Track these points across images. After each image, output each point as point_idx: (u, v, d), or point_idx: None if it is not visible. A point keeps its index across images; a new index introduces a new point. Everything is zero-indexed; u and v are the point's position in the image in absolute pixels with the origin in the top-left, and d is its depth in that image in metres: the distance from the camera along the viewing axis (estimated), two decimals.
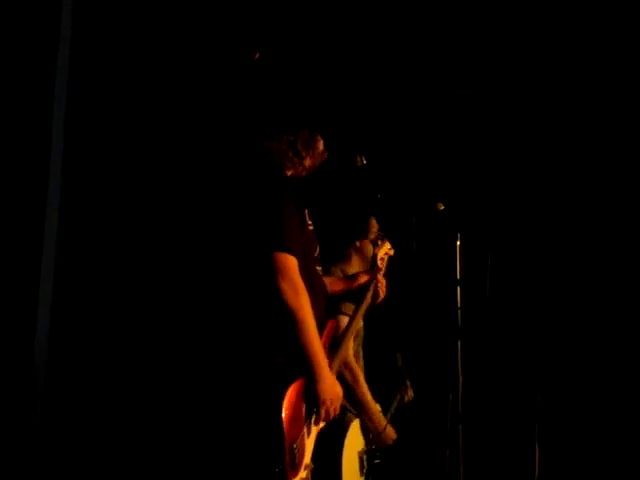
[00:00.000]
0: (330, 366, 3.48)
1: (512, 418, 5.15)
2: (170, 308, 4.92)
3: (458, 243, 4.21)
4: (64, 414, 4.81)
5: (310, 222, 3.60)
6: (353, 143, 3.85)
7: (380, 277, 4.03)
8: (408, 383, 4.37)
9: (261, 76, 3.40)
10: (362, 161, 3.78)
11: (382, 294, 4.03)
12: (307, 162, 3.65)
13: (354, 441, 4.01)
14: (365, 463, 4.08)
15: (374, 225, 4.31)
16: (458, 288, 4.12)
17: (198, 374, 4.41)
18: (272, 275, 3.29)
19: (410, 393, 4.37)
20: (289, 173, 3.63)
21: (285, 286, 3.28)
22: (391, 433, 4.18)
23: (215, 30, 5.00)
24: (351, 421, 3.98)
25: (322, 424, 3.44)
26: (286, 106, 3.66)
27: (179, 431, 4.70)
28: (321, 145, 3.71)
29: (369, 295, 3.96)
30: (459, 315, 4.12)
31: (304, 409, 3.32)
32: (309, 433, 3.37)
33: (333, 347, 3.73)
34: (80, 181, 4.86)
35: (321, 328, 3.48)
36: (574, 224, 5.40)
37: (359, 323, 3.93)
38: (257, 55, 3.40)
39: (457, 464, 4.12)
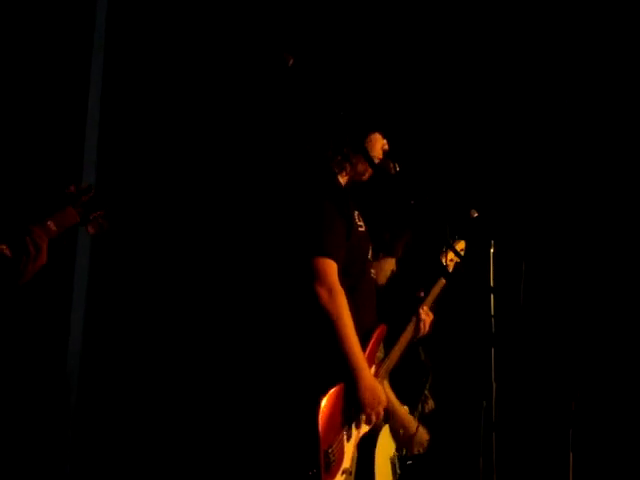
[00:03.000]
0: (376, 373, 3.49)
1: (546, 426, 5.12)
2: (211, 311, 4.95)
3: (492, 250, 4.19)
4: (97, 415, 4.84)
5: (361, 224, 3.60)
6: (387, 150, 3.84)
7: (423, 311, 4.02)
8: (428, 393, 4.36)
9: (297, 82, 3.40)
10: (395, 168, 3.78)
11: (424, 330, 4.02)
12: (360, 166, 3.66)
13: (385, 447, 3.99)
14: (397, 468, 4.07)
15: (401, 248, 4.31)
16: (492, 296, 4.10)
17: (238, 376, 4.43)
18: (310, 279, 3.30)
19: (430, 403, 4.36)
20: (343, 179, 3.65)
21: (322, 291, 3.30)
22: (424, 435, 4.17)
23: (250, 36, 5.02)
24: (380, 428, 3.97)
25: (365, 429, 3.44)
26: (325, 112, 3.67)
27: (216, 432, 4.72)
28: (377, 145, 3.71)
29: (409, 329, 3.95)
30: (493, 323, 4.09)
31: (344, 413, 3.32)
32: (349, 438, 3.37)
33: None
34: (118, 186, 4.89)
35: (370, 332, 3.49)
36: (610, 232, 5.36)
37: (397, 356, 3.90)
38: (292, 61, 3.39)
39: (490, 472, 4.09)
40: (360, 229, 3.59)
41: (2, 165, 4.48)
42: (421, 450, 4.22)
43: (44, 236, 2.51)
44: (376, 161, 3.70)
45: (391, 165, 3.78)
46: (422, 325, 4.00)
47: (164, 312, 5.00)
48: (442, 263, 4.09)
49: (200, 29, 5.17)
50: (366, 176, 3.73)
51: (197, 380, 4.94)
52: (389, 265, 4.33)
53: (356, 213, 3.61)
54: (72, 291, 4.92)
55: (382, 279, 4.29)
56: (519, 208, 5.36)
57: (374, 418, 3.41)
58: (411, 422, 4.13)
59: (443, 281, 4.17)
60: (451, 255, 4.12)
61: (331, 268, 3.35)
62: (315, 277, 3.32)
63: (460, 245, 4.25)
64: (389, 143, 3.82)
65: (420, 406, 4.29)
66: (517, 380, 4.96)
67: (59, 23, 4.88)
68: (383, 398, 3.41)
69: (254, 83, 5.01)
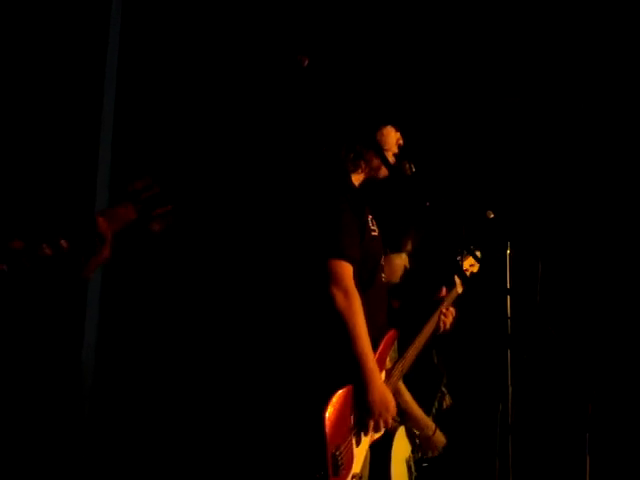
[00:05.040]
0: (387, 375, 3.47)
1: (562, 428, 5.10)
2: (223, 311, 4.94)
3: (508, 252, 4.17)
4: (111, 417, 4.84)
5: (375, 228, 3.58)
6: (402, 151, 3.83)
7: (445, 308, 4.00)
8: (444, 390, 4.34)
9: (312, 82, 3.39)
10: (411, 169, 3.76)
11: (445, 327, 4.01)
12: (374, 162, 3.65)
13: (401, 449, 3.98)
14: (413, 469, 4.05)
15: (410, 242, 4.30)
16: (508, 297, 4.08)
17: (247, 375, 4.42)
18: (326, 281, 3.29)
19: (448, 400, 4.34)
20: (357, 178, 3.63)
21: (337, 292, 3.28)
22: (440, 437, 4.16)
23: (264, 37, 5.02)
24: (396, 429, 3.95)
25: (375, 435, 3.42)
26: (338, 111, 3.66)
27: (224, 432, 4.71)
28: (390, 138, 3.70)
29: (429, 325, 3.94)
30: (509, 324, 4.08)
31: (352, 417, 3.30)
32: (358, 442, 3.34)
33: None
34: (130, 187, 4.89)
35: (381, 337, 3.47)
36: (626, 233, 5.34)
37: (413, 355, 3.88)
38: (306, 62, 3.38)
39: (507, 475, 4.07)
40: (373, 233, 3.58)
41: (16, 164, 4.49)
42: (436, 453, 4.20)
43: (109, 229, 2.47)
44: (391, 156, 3.68)
45: (407, 166, 3.76)
46: (442, 323, 3.98)
47: (179, 314, 5.00)
48: (461, 268, 4.07)
49: (215, 30, 5.17)
50: (382, 172, 3.70)
51: (207, 378, 4.94)
52: (400, 260, 4.31)
53: (370, 217, 3.60)
54: (86, 290, 4.93)
55: (395, 276, 4.28)
56: (535, 209, 5.35)
57: (382, 424, 3.38)
58: (429, 424, 4.12)
59: (460, 288, 4.15)
60: (471, 261, 4.11)
61: (347, 270, 3.34)
62: (331, 279, 3.31)
63: (478, 253, 4.23)
64: (403, 138, 3.80)
65: (437, 403, 4.27)
66: (533, 383, 4.94)
67: (74, 21, 4.89)
68: (392, 404, 3.38)
69: (269, 84, 5.01)
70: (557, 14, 5.37)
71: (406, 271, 4.30)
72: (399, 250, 4.30)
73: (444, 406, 4.31)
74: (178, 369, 4.94)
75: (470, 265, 4.18)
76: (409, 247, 4.34)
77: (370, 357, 3.31)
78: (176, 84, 5.19)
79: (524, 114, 5.45)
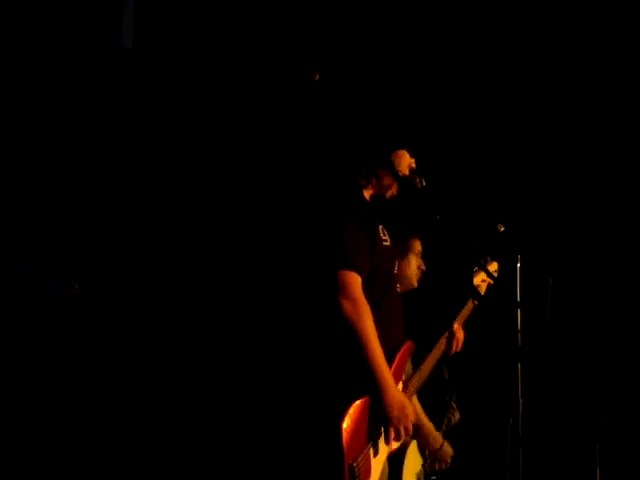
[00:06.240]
0: (404, 388, 3.48)
1: (573, 441, 5.09)
2: (237, 323, 4.95)
3: (518, 265, 4.18)
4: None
5: (386, 238, 3.59)
6: (413, 168, 3.84)
7: (456, 328, 4.01)
8: (454, 405, 4.34)
9: (323, 97, 3.41)
10: (421, 182, 3.77)
11: (456, 347, 4.01)
12: (386, 180, 3.67)
13: (413, 462, 3.97)
14: None
15: (416, 247, 4.29)
16: (518, 310, 4.09)
17: (263, 388, 4.43)
18: (335, 292, 3.30)
19: (457, 415, 4.34)
20: (366, 193, 3.65)
21: (346, 303, 3.29)
22: (448, 450, 4.15)
23: (276, 52, 5.04)
24: (408, 443, 3.95)
25: (394, 445, 3.42)
26: (352, 126, 3.68)
27: (240, 444, 4.72)
28: (403, 161, 3.72)
29: (439, 347, 3.94)
30: (519, 338, 4.08)
31: (369, 427, 3.31)
32: (376, 453, 3.35)
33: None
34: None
35: (397, 348, 3.48)
36: (638, 247, 5.34)
37: (427, 371, 3.89)
38: (317, 76, 3.40)
39: None
40: (385, 243, 3.59)
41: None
42: (444, 466, 4.20)
43: None
44: (403, 174, 3.70)
45: (417, 179, 3.77)
46: (454, 342, 3.98)
47: (192, 325, 5.02)
48: (472, 284, 4.08)
49: (227, 46, 5.20)
50: (392, 191, 3.73)
51: (223, 392, 4.95)
52: (411, 264, 4.30)
53: (380, 227, 3.61)
54: None
55: (412, 280, 4.27)
56: (545, 222, 5.35)
57: (403, 433, 3.38)
58: (436, 438, 4.12)
59: (472, 304, 4.15)
60: (483, 276, 4.11)
61: (355, 281, 3.35)
62: (339, 290, 3.32)
63: (493, 266, 4.23)
64: (415, 157, 3.82)
65: (446, 419, 4.27)
66: (544, 396, 4.94)
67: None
68: (410, 413, 3.39)
69: (281, 99, 5.03)
70: (570, 26, 5.38)
71: (422, 273, 4.29)
72: (405, 254, 4.28)
73: (453, 422, 4.30)
74: (192, 382, 4.95)
75: (482, 280, 4.18)
76: (418, 248, 4.33)
77: (383, 366, 3.31)
78: (184, 94, 5.21)
79: (535, 127, 5.46)
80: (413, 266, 4.29)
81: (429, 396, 4.09)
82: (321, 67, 3.42)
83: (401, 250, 4.21)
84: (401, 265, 4.20)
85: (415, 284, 4.26)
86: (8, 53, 4.69)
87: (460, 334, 4.03)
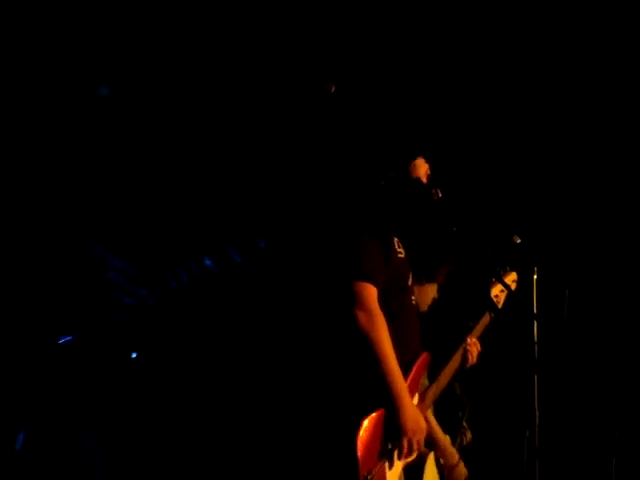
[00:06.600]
0: (420, 401, 3.47)
1: (589, 454, 5.07)
2: (253, 335, 4.95)
3: (535, 277, 4.17)
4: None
5: (401, 250, 3.59)
6: (429, 175, 3.85)
7: (471, 340, 3.99)
8: (466, 425, 4.33)
9: (339, 109, 3.43)
10: (438, 194, 3.78)
11: (472, 360, 4.00)
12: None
13: (431, 476, 3.96)
14: None
15: (439, 278, 4.29)
16: (535, 322, 4.08)
17: (278, 399, 4.44)
18: (350, 304, 3.31)
19: (469, 435, 4.32)
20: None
21: (361, 315, 3.30)
22: (463, 469, 4.14)
23: (293, 65, 5.05)
24: (426, 458, 3.94)
25: (409, 458, 3.41)
26: (369, 138, 3.69)
27: (255, 454, 4.72)
28: (420, 170, 3.73)
29: (456, 359, 3.93)
30: (536, 350, 4.07)
31: (384, 440, 3.31)
32: (391, 466, 3.35)
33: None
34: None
35: (413, 360, 3.48)
36: None
37: (443, 384, 3.87)
38: (333, 88, 3.42)
39: None
40: (399, 255, 3.59)
41: None
42: None
43: None
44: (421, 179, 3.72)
45: (433, 191, 3.78)
46: (470, 355, 3.97)
47: (210, 336, 5.02)
48: (489, 296, 4.07)
49: (245, 59, 5.21)
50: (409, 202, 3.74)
51: (236, 402, 4.95)
52: (431, 291, 4.31)
53: (396, 240, 3.61)
54: None
55: (424, 306, 4.27)
56: (563, 234, 5.34)
57: (415, 446, 3.38)
58: (453, 453, 4.10)
59: (489, 316, 4.14)
60: (501, 287, 4.10)
61: (370, 292, 3.36)
62: (354, 301, 3.33)
63: (512, 277, 4.22)
64: (431, 168, 3.83)
65: (459, 438, 4.26)
66: (560, 408, 4.92)
67: None
68: (424, 426, 3.38)
69: (298, 110, 5.04)
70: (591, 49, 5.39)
71: (434, 301, 4.29)
72: (432, 281, 4.29)
73: (464, 442, 4.29)
74: (208, 389, 4.95)
75: (500, 291, 4.16)
76: (441, 279, 4.33)
77: (398, 379, 3.31)
78: (202, 105, 5.23)
79: (552, 141, 5.46)
80: (431, 294, 4.29)
81: (441, 411, 4.08)
82: (337, 79, 3.44)
83: (430, 276, 4.22)
84: (424, 289, 4.21)
85: (425, 310, 4.26)
86: (68, 59, 4.71)
87: (476, 347, 4.02)
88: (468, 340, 3.98)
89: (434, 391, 3.70)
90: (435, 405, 3.85)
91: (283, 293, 4.81)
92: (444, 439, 4.07)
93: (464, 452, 4.20)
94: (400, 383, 3.32)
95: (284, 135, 5.15)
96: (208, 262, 4.27)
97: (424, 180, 3.75)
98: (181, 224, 4.83)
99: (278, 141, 5.16)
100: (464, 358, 3.96)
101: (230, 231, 4.89)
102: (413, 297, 3.70)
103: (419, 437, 3.36)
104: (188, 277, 4.56)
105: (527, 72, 5.44)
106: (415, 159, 3.78)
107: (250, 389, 4.93)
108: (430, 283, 4.28)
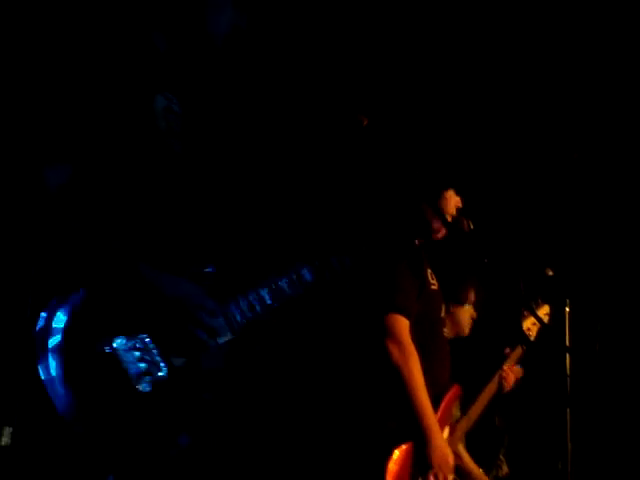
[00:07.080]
0: (451, 433, 3.47)
1: None
2: (283, 364, 4.96)
3: (567, 309, 4.16)
4: None
5: (434, 282, 3.60)
6: (460, 207, 3.86)
7: (508, 367, 3.99)
8: (502, 458, 4.31)
9: (372, 142, 3.44)
10: (469, 226, 3.79)
11: (508, 387, 3.99)
12: (435, 224, 3.68)
13: None
14: None
15: (471, 297, 4.29)
16: (567, 355, 4.06)
17: (309, 429, 4.43)
18: (382, 336, 3.32)
19: (505, 468, 4.31)
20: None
21: (393, 347, 3.31)
22: None
23: (325, 98, 5.08)
24: None
25: None
26: (400, 171, 3.71)
27: None
28: (451, 202, 3.73)
29: (492, 384, 3.92)
30: (568, 383, 4.06)
31: (413, 472, 3.31)
32: None
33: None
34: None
35: (444, 392, 3.48)
36: None
37: (476, 415, 3.87)
38: (366, 122, 3.44)
39: None
40: (432, 287, 3.60)
41: None
42: None
43: None
44: (449, 218, 3.71)
45: (465, 222, 3.79)
46: (505, 383, 3.97)
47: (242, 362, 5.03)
48: (521, 329, 4.07)
49: (280, 90, 5.25)
50: (440, 234, 3.74)
51: (269, 427, 4.95)
52: (465, 313, 4.31)
53: (429, 271, 3.62)
54: None
55: (464, 329, 4.27)
56: (595, 267, 5.32)
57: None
58: None
59: (521, 349, 4.13)
60: (533, 319, 4.10)
61: (403, 324, 3.37)
62: (387, 333, 3.34)
63: (544, 309, 4.22)
64: (462, 200, 3.83)
65: (495, 470, 4.24)
66: (593, 441, 4.89)
67: None
68: (451, 461, 3.38)
69: (331, 143, 5.06)
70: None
71: (474, 322, 4.30)
72: (462, 303, 4.30)
73: (500, 475, 4.27)
74: (241, 418, 4.96)
75: (532, 324, 4.16)
76: (472, 298, 4.34)
77: (428, 411, 3.32)
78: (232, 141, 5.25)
79: (585, 171, 5.45)
80: (467, 316, 4.29)
81: (479, 442, 4.08)
82: (369, 111, 3.46)
83: (457, 299, 4.23)
84: (456, 313, 4.21)
85: (467, 333, 4.26)
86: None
87: (512, 373, 4.01)
88: (505, 367, 3.98)
89: (465, 423, 3.70)
90: (471, 436, 3.84)
91: (317, 322, 4.82)
92: (477, 470, 4.07)
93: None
94: (430, 416, 3.32)
95: (319, 166, 5.18)
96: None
97: (453, 212, 3.76)
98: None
99: (312, 171, 5.19)
100: (500, 385, 3.96)
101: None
102: (445, 330, 3.71)
103: (446, 472, 3.36)
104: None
105: (556, 101, 5.44)
106: (446, 191, 3.79)
107: (283, 414, 4.94)
108: (462, 305, 4.29)
